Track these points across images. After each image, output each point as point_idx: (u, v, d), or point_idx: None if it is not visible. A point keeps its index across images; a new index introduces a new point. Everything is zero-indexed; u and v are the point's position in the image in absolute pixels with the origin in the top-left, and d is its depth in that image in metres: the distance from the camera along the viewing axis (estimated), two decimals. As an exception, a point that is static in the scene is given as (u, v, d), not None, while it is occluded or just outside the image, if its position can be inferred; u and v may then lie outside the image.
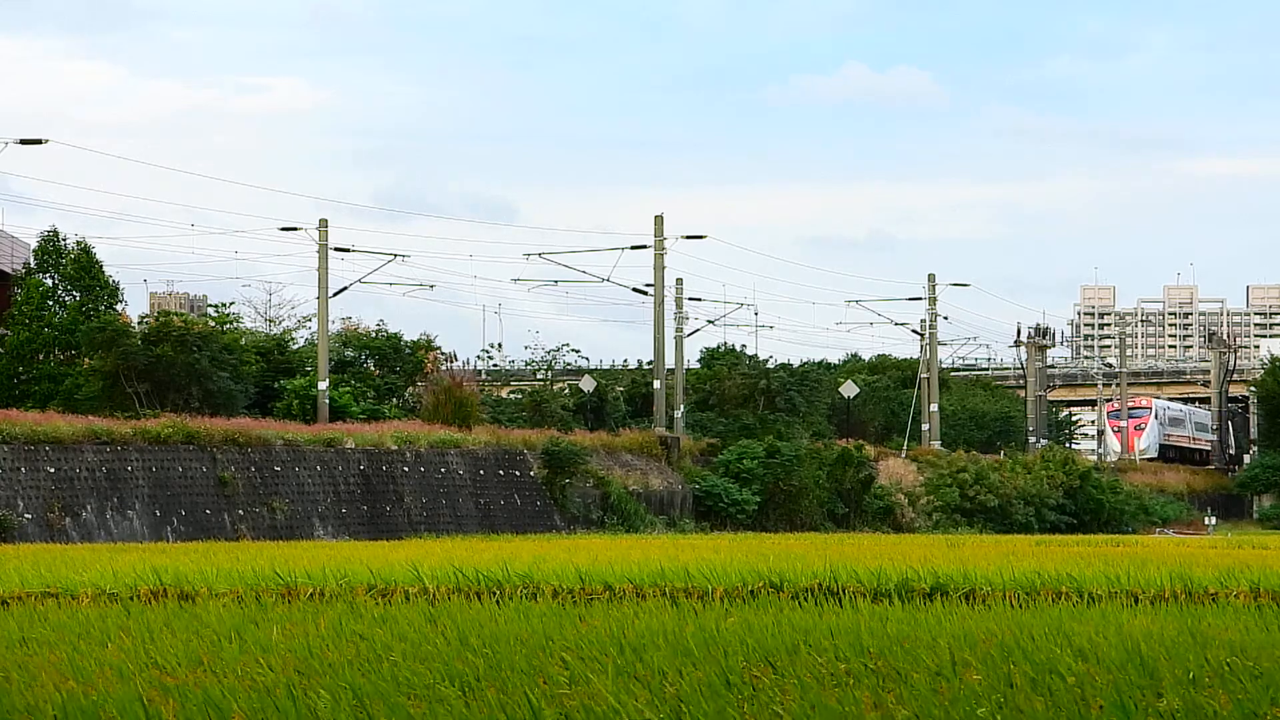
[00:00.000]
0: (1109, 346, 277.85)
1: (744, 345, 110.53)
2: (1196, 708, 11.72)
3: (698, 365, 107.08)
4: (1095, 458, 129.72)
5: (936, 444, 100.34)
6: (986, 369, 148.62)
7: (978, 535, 66.71)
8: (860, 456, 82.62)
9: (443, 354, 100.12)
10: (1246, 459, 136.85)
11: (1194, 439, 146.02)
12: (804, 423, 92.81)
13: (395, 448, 61.46)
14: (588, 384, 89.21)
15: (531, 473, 66.49)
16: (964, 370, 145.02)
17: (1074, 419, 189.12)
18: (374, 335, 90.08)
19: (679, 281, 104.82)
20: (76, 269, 72.25)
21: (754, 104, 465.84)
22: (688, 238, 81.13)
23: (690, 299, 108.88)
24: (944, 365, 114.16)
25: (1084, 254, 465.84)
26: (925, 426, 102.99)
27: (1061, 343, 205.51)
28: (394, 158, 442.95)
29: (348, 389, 78.33)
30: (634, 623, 17.31)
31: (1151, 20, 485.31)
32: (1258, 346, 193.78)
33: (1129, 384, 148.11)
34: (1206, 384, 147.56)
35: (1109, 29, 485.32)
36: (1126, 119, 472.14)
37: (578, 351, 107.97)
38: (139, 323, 76.35)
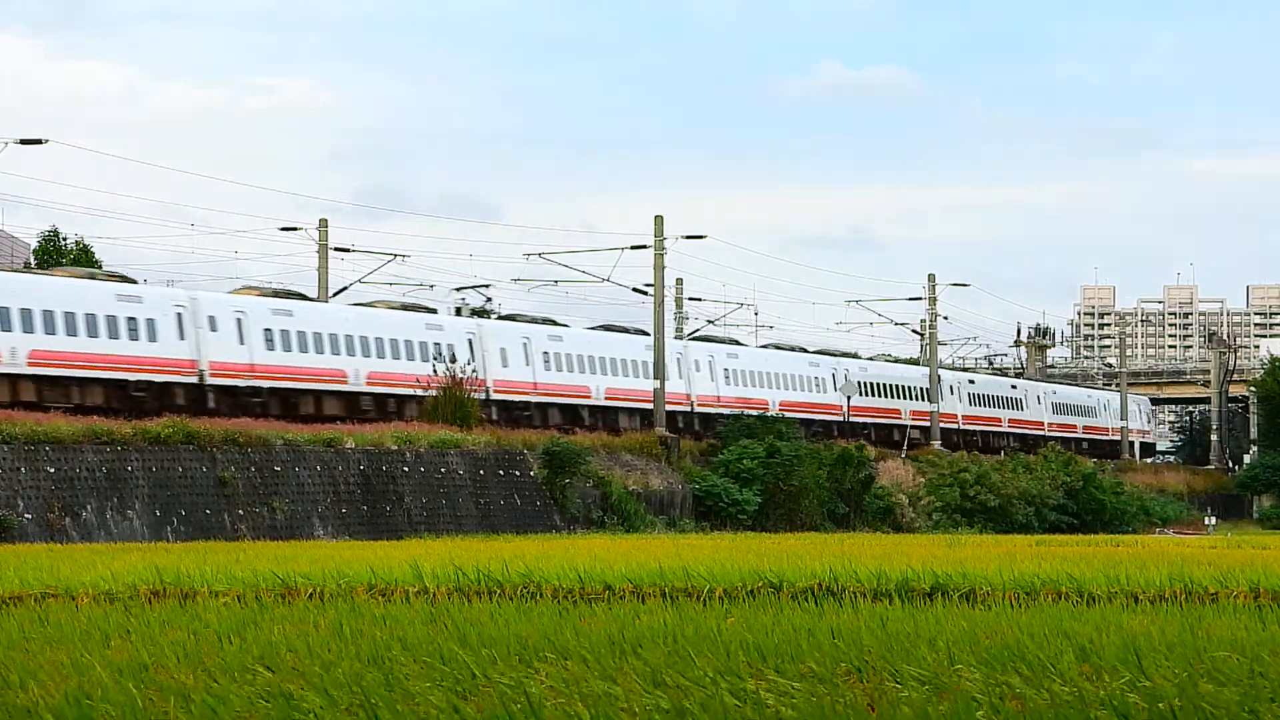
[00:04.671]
0: (1109, 346, 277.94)
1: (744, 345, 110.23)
2: (1196, 708, 11.73)
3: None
4: None
5: (937, 444, 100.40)
6: (986, 369, 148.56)
7: (978, 535, 66.75)
8: (860, 456, 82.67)
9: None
10: (1246, 459, 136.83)
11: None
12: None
13: (395, 448, 61.47)
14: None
15: (531, 473, 66.50)
16: (964, 370, 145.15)
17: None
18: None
19: (679, 281, 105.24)
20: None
21: (755, 104, 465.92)
22: (688, 238, 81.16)
23: (690, 299, 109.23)
24: (944, 365, 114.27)
25: (1084, 254, 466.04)
26: (926, 425, 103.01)
27: (1061, 343, 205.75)
28: (386, 158, 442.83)
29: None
30: (634, 623, 17.32)
31: (1153, 21, 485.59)
32: (1258, 346, 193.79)
33: (1129, 384, 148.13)
34: (1206, 384, 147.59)
35: (1111, 30, 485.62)
36: (1127, 119, 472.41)
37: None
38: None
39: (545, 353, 76.21)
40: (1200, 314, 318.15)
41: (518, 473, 66.02)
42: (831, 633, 16.23)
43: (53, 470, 50.83)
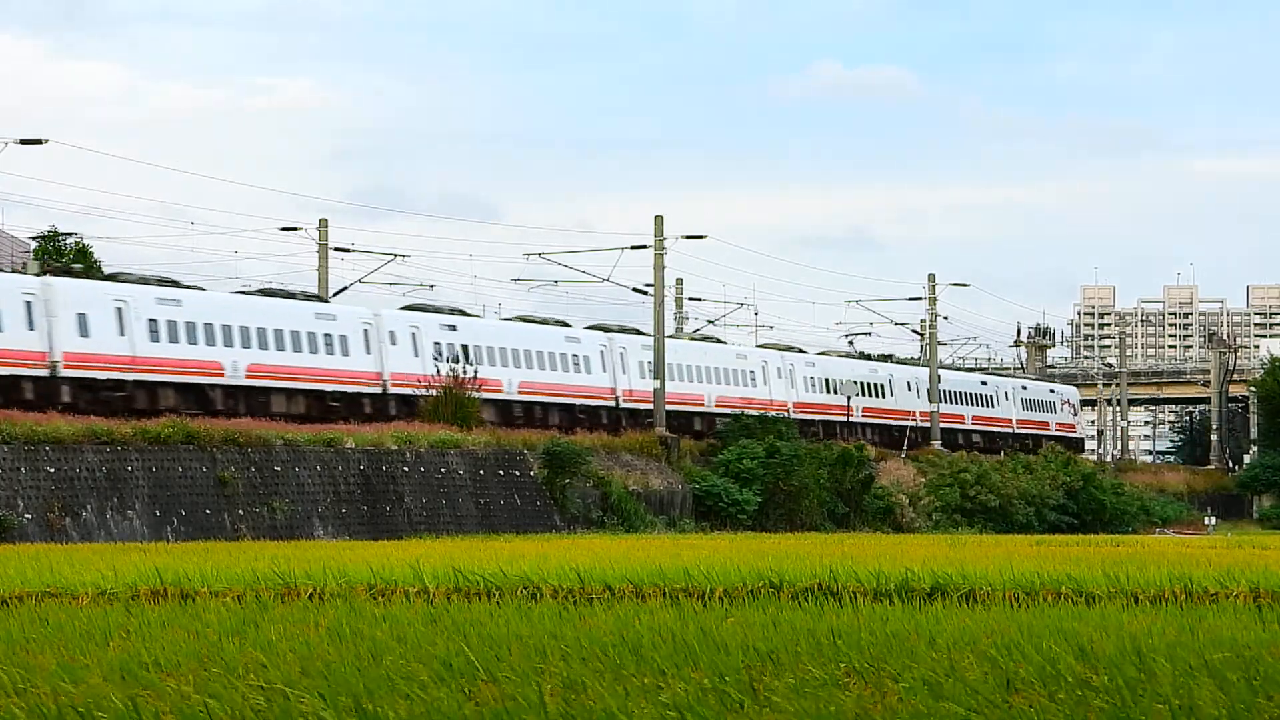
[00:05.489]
0: (1109, 346, 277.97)
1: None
2: (1195, 708, 11.73)
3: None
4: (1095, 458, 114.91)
5: (937, 444, 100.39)
6: (987, 369, 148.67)
7: (978, 535, 66.76)
8: (860, 456, 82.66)
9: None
10: (1246, 459, 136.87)
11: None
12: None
13: (395, 448, 61.48)
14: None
15: (531, 473, 66.50)
16: (964, 370, 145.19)
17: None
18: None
19: (679, 281, 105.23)
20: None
21: (755, 104, 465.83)
22: (688, 238, 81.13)
23: (690, 299, 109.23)
24: (944, 365, 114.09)
25: (1084, 254, 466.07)
26: (926, 425, 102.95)
27: (1061, 343, 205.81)
28: (386, 158, 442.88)
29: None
30: (634, 623, 17.31)
31: (1153, 21, 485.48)
32: (1258, 346, 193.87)
33: (1129, 384, 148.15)
34: (1206, 384, 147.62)
35: (1111, 30, 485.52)
36: (1127, 119, 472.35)
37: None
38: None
39: (153, 320, 61.11)
40: (1200, 314, 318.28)
41: (518, 473, 66.03)
42: (831, 633, 16.22)
43: (53, 470, 50.83)
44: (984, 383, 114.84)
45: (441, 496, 62.45)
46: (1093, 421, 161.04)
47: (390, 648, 15.38)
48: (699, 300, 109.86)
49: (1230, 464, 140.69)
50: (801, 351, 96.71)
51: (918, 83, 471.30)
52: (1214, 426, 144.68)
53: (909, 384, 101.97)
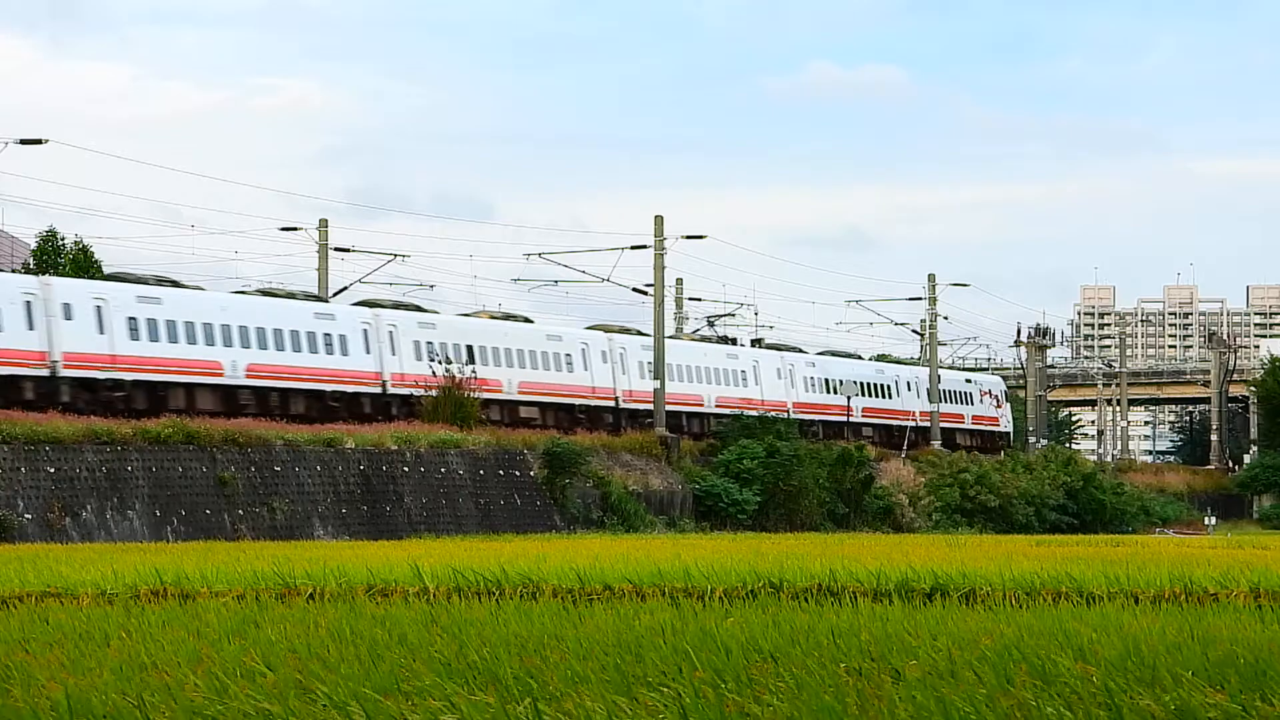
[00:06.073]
0: (1109, 346, 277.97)
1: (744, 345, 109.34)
2: (1194, 708, 11.72)
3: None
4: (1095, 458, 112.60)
5: (937, 444, 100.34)
6: (986, 369, 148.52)
7: (978, 535, 66.75)
8: (860, 456, 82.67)
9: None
10: (1247, 459, 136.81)
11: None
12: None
13: (395, 448, 61.46)
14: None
15: (531, 473, 66.48)
16: (964, 370, 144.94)
17: (1074, 419, 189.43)
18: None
19: (679, 281, 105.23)
20: (75, 269, 72.25)
21: (755, 104, 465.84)
22: (688, 238, 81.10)
23: (690, 299, 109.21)
24: (944, 365, 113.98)
25: (1084, 254, 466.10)
26: (926, 425, 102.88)
27: (1061, 343, 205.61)
28: (384, 158, 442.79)
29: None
30: (634, 623, 17.30)
31: (1155, 22, 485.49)
32: (1258, 346, 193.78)
33: (1129, 384, 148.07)
34: (1206, 384, 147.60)
35: (1111, 30, 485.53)
36: (1127, 119, 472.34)
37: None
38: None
39: None
40: (1200, 314, 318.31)
41: (518, 473, 66.01)
42: (831, 633, 16.21)
43: (53, 470, 50.82)
44: (879, 371, 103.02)
45: (441, 496, 62.43)
46: (1093, 421, 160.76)
47: (390, 648, 15.37)
48: (699, 300, 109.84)
49: (1230, 464, 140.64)
50: (640, 334, 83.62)
51: (915, 83, 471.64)
52: (1214, 426, 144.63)
53: (779, 372, 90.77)
